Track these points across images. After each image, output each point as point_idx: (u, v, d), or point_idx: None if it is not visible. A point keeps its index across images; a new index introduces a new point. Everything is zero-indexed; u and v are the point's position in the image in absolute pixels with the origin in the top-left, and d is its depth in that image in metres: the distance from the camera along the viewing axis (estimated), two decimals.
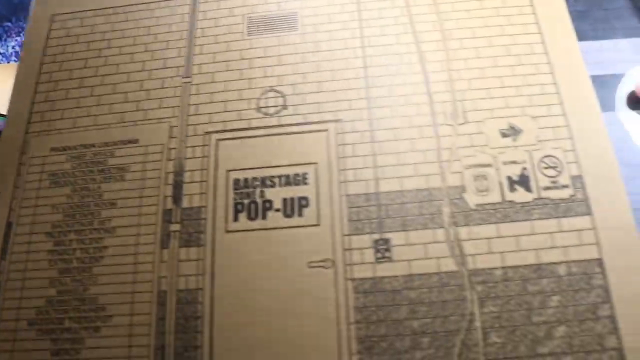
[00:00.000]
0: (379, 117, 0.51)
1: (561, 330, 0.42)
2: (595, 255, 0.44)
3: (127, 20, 0.59)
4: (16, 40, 0.70)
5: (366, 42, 0.54)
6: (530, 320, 0.43)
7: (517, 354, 0.42)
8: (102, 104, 0.55)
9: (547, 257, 0.44)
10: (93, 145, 0.53)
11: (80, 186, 0.52)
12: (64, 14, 0.60)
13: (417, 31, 0.54)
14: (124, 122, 0.54)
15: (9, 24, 0.71)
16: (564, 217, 0.46)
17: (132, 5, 0.60)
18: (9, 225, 0.51)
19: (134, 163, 0.52)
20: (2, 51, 0.70)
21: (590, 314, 0.43)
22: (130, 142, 0.53)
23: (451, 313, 0.44)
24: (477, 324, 0.43)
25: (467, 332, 0.43)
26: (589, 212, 0.45)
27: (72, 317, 0.47)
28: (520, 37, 0.53)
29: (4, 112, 0.57)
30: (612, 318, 0.42)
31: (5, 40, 0.70)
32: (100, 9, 0.60)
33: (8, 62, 0.70)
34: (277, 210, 0.49)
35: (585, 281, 0.44)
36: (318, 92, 0.52)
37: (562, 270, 0.44)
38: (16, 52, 0.70)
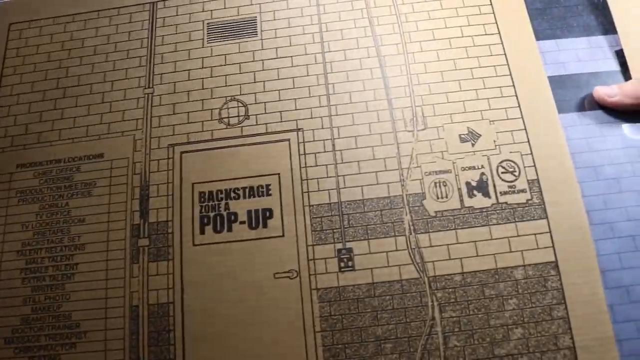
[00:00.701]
0: (339, 124, 0.51)
1: (518, 332, 0.44)
2: (551, 259, 0.46)
3: (85, 29, 0.58)
4: None
5: (326, 47, 0.54)
6: (489, 324, 0.45)
7: (476, 357, 0.44)
8: (66, 118, 0.55)
9: (505, 261, 0.46)
10: (59, 161, 0.53)
11: (48, 203, 0.52)
12: (21, 22, 0.59)
13: (377, 34, 0.54)
14: (89, 136, 0.54)
15: None
16: (521, 221, 0.47)
17: (89, 12, 0.59)
18: None
19: (100, 178, 0.52)
20: None
21: (546, 315, 0.44)
22: (95, 156, 0.53)
23: (413, 319, 0.45)
24: (438, 328, 0.45)
25: (428, 337, 0.45)
26: (545, 216, 0.47)
27: (48, 335, 0.49)
28: (479, 38, 0.53)
29: None
30: (565, 319, 0.44)
31: None
32: (58, 16, 0.59)
33: None
34: (242, 222, 0.49)
35: (541, 284, 0.45)
36: (279, 100, 0.53)
37: (519, 274, 0.46)
38: None
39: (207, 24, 0.57)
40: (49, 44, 0.58)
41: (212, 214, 0.50)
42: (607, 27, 0.53)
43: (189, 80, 0.55)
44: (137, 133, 0.53)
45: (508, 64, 0.52)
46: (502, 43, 0.52)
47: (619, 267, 0.45)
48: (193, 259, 0.49)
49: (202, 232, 0.50)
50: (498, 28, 0.53)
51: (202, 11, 0.57)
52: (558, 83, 0.51)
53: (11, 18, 0.60)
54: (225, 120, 0.53)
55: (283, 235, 0.49)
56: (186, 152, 0.52)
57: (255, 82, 0.54)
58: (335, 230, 0.48)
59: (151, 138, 0.53)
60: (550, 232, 0.46)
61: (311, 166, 0.50)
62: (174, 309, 0.48)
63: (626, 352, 0.43)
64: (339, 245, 0.48)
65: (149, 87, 0.55)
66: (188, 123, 0.53)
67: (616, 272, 0.45)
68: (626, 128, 0.49)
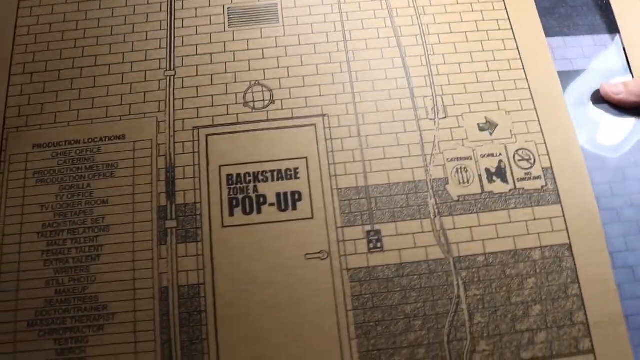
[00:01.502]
0: (364, 111, 0.53)
1: (537, 308, 0.48)
2: (565, 241, 0.49)
3: (100, 9, 0.57)
4: None
5: (348, 35, 0.56)
6: (510, 301, 0.48)
7: (499, 332, 0.47)
8: (84, 98, 0.54)
9: (523, 243, 0.49)
10: (78, 142, 0.53)
11: (68, 184, 0.52)
12: None
13: (397, 25, 0.56)
14: (109, 117, 0.53)
15: None
16: (537, 206, 0.50)
17: None
18: None
19: (123, 159, 0.52)
20: None
21: (562, 293, 0.48)
22: (117, 137, 0.53)
23: (439, 297, 0.48)
24: (463, 306, 0.48)
25: (454, 314, 0.48)
26: (558, 201, 0.50)
27: (73, 317, 0.48)
28: (493, 32, 0.56)
29: None
30: (579, 296, 0.48)
31: None
32: None
33: None
34: (272, 204, 0.51)
35: (557, 264, 0.49)
36: (304, 86, 0.54)
37: (536, 255, 0.49)
38: None
39: (228, 8, 0.57)
40: (62, 23, 0.57)
41: (240, 196, 0.51)
42: (611, 26, 0.57)
43: (211, 63, 0.55)
44: (160, 115, 0.53)
45: (521, 58, 0.55)
46: (514, 38, 0.55)
47: (625, 249, 0.49)
48: (223, 240, 0.50)
49: (232, 214, 0.50)
50: (510, 24, 0.56)
51: None
52: (566, 77, 0.54)
53: None
54: (251, 104, 0.53)
55: (312, 218, 0.50)
56: (212, 134, 0.52)
57: (279, 67, 0.55)
58: (363, 213, 0.50)
59: (175, 120, 0.53)
60: (564, 216, 0.50)
61: (338, 151, 0.52)
62: (205, 290, 0.49)
63: (633, 326, 0.47)
64: (368, 227, 0.50)
65: (170, 70, 0.55)
66: (212, 106, 0.53)
67: (623, 253, 0.49)
68: (629, 122, 0.53)
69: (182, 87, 0.54)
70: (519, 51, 0.55)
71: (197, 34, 0.56)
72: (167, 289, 0.49)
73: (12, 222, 0.51)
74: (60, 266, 0.50)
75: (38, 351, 0.48)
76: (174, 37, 0.56)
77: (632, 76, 0.54)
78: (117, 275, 0.49)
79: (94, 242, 0.50)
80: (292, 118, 0.53)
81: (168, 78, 0.54)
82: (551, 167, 0.51)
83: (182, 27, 0.56)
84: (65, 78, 0.55)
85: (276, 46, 0.55)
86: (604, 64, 0.55)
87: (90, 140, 0.53)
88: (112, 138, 0.53)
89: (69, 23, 0.57)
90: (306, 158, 0.52)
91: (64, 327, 0.48)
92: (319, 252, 0.49)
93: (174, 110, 0.53)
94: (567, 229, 0.49)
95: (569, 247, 0.49)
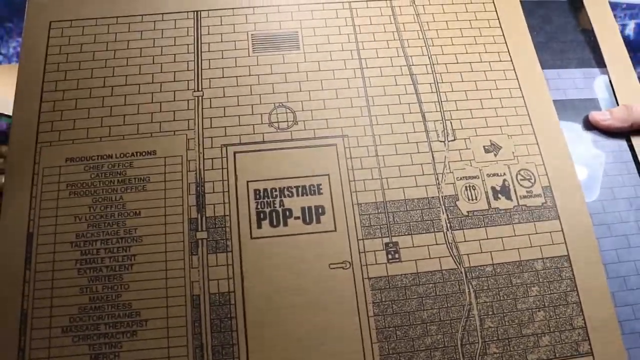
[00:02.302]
0: (380, 133, 0.57)
1: (540, 314, 0.52)
2: (564, 253, 0.54)
3: (130, 32, 0.60)
4: (17, 41, 0.68)
5: (364, 63, 0.60)
6: (516, 307, 0.52)
7: (507, 336, 0.51)
8: (115, 115, 0.57)
9: (527, 254, 0.54)
10: (110, 156, 0.55)
11: (101, 196, 0.54)
12: (62, 21, 0.61)
13: (408, 55, 0.61)
14: (140, 134, 0.56)
15: (11, 24, 0.68)
16: (538, 221, 0.55)
17: (133, 16, 0.61)
18: (29, 235, 0.53)
19: (155, 174, 0.55)
20: (3, 52, 0.68)
21: (562, 300, 0.53)
22: (148, 153, 0.56)
23: (453, 304, 0.52)
24: (475, 312, 0.52)
25: (466, 320, 0.52)
26: (557, 217, 0.55)
27: (107, 323, 0.50)
28: (495, 64, 0.61)
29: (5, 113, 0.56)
30: (578, 303, 0.53)
31: (7, 40, 0.68)
32: (101, 18, 0.61)
33: (9, 63, 0.68)
34: (297, 217, 0.54)
35: (557, 274, 0.53)
36: (324, 108, 0.58)
37: (539, 265, 0.54)
38: (17, 53, 0.68)
39: (252, 35, 0.61)
40: (92, 44, 0.60)
41: (267, 210, 0.54)
42: (599, 61, 0.63)
43: (237, 86, 0.58)
44: (189, 133, 0.56)
45: (520, 88, 0.60)
46: (514, 69, 0.61)
47: (617, 261, 0.55)
48: (252, 250, 0.53)
49: (259, 226, 0.54)
50: (510, 56, 0.62)
51: (246, 22, 0.61)
52: (560, 106, 0.60)
53: (51, 16, 0.61)
54: (275, 124, 0.57)
55: (335, 230, 0.54)
56: (239, 152, 0.56)
57: (300, 91, 0.59)
58: (382, 226, 0.54)
59: (204, 138, 0.56)
60: (562, 230, 0.55)
61: (357, 169, 0.56)
62: (235, 298, 0.51)
63: (626, 330, 0.52)
64: (386, 240, 0.54)
65: (198, 90, 0.58)
66: (239, 125, 0.57)
67: (615, 264, 0.54)
68: (616, 146, 0.59)
69: (210, 107, 0.58)
70: (518, 81, 0.60)
71: (223, 57, 0.60)
72: (199, 297, 0.51)
73: (46, 232, 0.53)
74: (94, 275, 0.52)
75: (72, 356, 0.49)
76: (201, 60, 0.60)
77: (617, 104, 0.60)
78: (149, 283, 0.52)
79: (127, 251, 0.53)
80: (314, 138, 0.57)
81: (196, 98, 0.58)
82: (550, 186, 0.56)
83: (209, 51, 0.60)
84: (97, 96, 0.58)
85: (298, 71, 0.60)
86: (593, 94, 0.61)
87: (122, 155, 0.55)
88: (144, 153, 0.56)
89: (99, 44, 0.60)
90: (328, 175, 0.56)
91: (97, 333, 0.50)
92: (342, 262, 0.53)
93: (202, 128, 0.57)
94: (565, 242, 0.54)
95: (568, 258, 0.54)
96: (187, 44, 0.60)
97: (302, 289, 0.52)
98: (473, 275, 0.53)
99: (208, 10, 0.62)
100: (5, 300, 0.51)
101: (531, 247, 0.54)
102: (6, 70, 0.68)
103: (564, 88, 0.61)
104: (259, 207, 0.54)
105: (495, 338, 0.51)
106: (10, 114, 0.56)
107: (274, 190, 0.55)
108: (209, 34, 0.61)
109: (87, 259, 0.52)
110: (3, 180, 0.55)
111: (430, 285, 0.53)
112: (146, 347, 0.50)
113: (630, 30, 0.76)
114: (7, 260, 0.52)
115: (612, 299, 0.53)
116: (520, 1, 0.65)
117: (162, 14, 0.62)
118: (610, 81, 0.62)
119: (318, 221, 0.54)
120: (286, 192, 0.55)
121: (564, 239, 0.55)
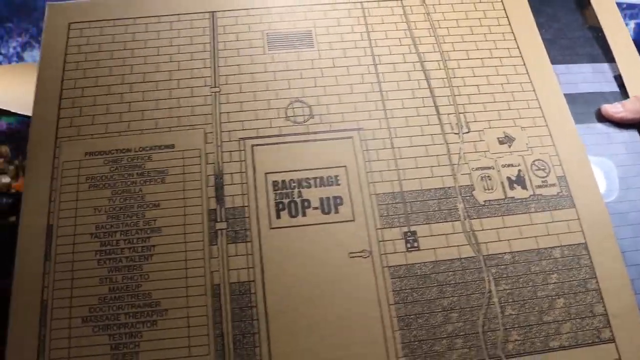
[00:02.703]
0: (395, 126, 0.58)
1: (560, 301, 0.52)
2: (581, 240, 0.54)
3: (147, 32, 0.62)
4: (17, 40, 0.69)
5: (377, 60, 0.61)
6: (536, 295, 0.52)
7: (528, 323, 0.51)
8: (133, 111, 0.58)
9: (545, 242, 0.54)
10: (129, 150, 0.56)
11: (120, 189, 0.54)
12: (80, 22, 0.62)
13: (420, 52, 0.62)
14: (158, 128, 0.57)
15: (11, 24, 0.70)
16: (554, 209, 0.55)
17: (149, 17, 0.63)
18: (49, 227, 0.53)
19: (173, 167, 0.55)
20: (3, 52, 0.69)
21: (582, 287, 0.53)
22: (166, 146, 0.56)
23: (473, 291, 0.52)
24: (495, 299, 0.52)
25: (487, 307, 0.52)
26: (573, 206, 0.56)
27: (127, 313, 0.50)
28: (505, 59, 0.62)
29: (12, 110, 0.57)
30: (597, 290, 0.53)
31: (7, 40, 0.69)
32: (119, 19, 0.62)
33: (9, 63, 0.69)
34: (315, 208, 0.54)
35: (575, 261, 0.54)
36: (340, 103, 0.59)
37: (557, 253, 0.54)
38: (17, 53, 0.69)
39: (266, 34, 0.62)
40: (110, 43, 0.61)
41: (286, 201, 0.54)
42: (607, 55, 0.64)
43: (253, 82, 0.59)
44: (207, 127, 0.57)
45: (531, 82, 0.61)
46: (524, 64, 0.62)
47: (634, 249, 0.55)
48: (271, 240, 0.53)
49: (278, 216, 0.54)
50: (520, 52, 0.63)
51: (261, 22, 0.63)
52: (571, 99, 0.61)
53: (71, 18, 0.62)
54: (292, 118, 0.58)
55: (354, 220, 0.54)
56: (257, 145, 0.56)
57: (316, 86, 0.60)
58: (400, 216, 0.54)
59: (222, 132, 0.57)
60: (578, 218, 0.55)
61: (374, 160, 0.56)
62: (255, 287, 0.51)
63: None
64: (405, 229, 0.54)
65: (215, 87, 0.59)
66: (256, 120, 0.58)
67: (632, 252, 0.55)
68: (628, 137, 0.60)
69: (227, 102, 0.58)
70: (529, 76, 0.61)
71: (239, 55, 0.61)
72: (219, 286, 0.51)
73: (65, 224, 0.53)
74: (114, 265, 0.52)
75: (93, 346, 0.49)
76: (218, 58, 0.61)
77: (627, 97, 0.61)
78: (169, 273, 0.52)
79: (147, 242, 0.53)
80: (330, 131, 0.57)
81: (213, 94, 0.59)
82: (564, 176, 0.57)
83: (225, 49, 0.61)
84: (116, 92, 0.59)
85: (312, 68, 0.61)
86: (602, 88, 0.62)
87: (140, 149, 0.56)
88: (162, 147, 0.56)
89: (117, 44, 0.61)
90: (345, 167, 0.56)
91: (117, 323, 0.50)
92: (361, 251, 0.53)
93: (220, 123, 0.57)
94: (582, 229, 0.55)
95: (585, 246, 0.54)
96: (204, 43, 0.62)
97: (322, 277, 0.52)
98: (492, 263, 0.53)
99: (223, 10, 0.63)
100: (25, 292, 0.51)
101: (548, 235, 0.54)
102: (6, 70, 0.69)
103: (574, 82, 0.62)
104: (277, 198, 0.55)
105: (516, 325, 0.51)
106: (11, 111, 0.57)
107: (292, 182, 0.55)
108: (224, 33, 0.62)
109: (107, 250, 0.52)
110: (3, 180, 0.56)
111: (450, 273, 0.53)
112: (166, 337, 0.50)
113: (630, 30, 0.77)
114: (27, 252, 0.52)
115: (632, 285, 0.53)
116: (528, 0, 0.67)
117: (179, 14, 0.63)
118: (619, 75, 0.63)
119: (336, 211, 0.55)
120: (304, 183, 0.55)
121: (581, 226, 0.55)
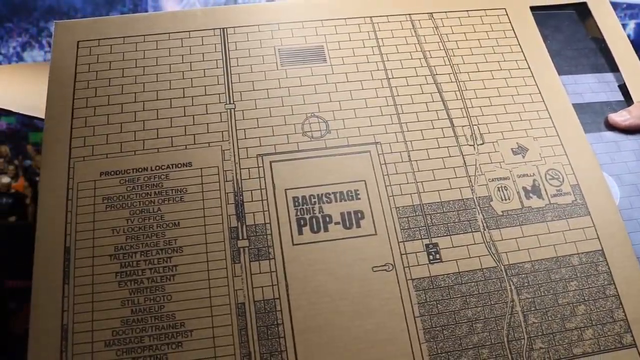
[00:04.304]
0: (412, 139, 0.59)
1: (581, 308, 0.53)
2: (598, 247, 0.55)
3: (157, 49, 0.61)
4: (17, 41, 0.68)
5: (389, 74, 0.62)
6: (557, 302, 0.53)
7: (551, 331, 0.52)
8: (148, 129, 0.57)
9: (563, 250, 0.55)
10: (145, 169, 0.55)
11: (138, 208, 0.54)
12: (89, 40, 0.61)
13: (431, 65, 0.63)
14: (174, 146, 0.56)
15: (11, 24, 0.68)
16: (570, 217, 0.56)
17: (159, 34, 0.62)
18: (66, 250, 0.52)
19: (192, 185, 0.55)
20: (3, 52, 0.67)
21: (601, 294, 0.54)
22: (183, 165, 0.56)
23: (496, 301, 0.52)
24: (518, 308, 0.52)
25: (510, 316, 0.52)
26: (588, 213, 0.57)
27: (151, 335, 0.49)
28: (514, 71, 0.63)
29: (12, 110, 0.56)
30: (616, 296, 0.53)
31: (7, 40, 0.68)
32: (128, 36, 0.62)
33: (9, 63, 0.68)
34: (337, 223, 0.54)
35: (593, 268, 0.54)
36: (355, 117, 0.59)
37: (575, 260, 0.55)
38: (17, 53, 0.68)
39: (279, 49, 0.62)
40: (121, 61, 0.60)
41: (307, 217, 0.54)
42: (611, 64, 0.66)
43: (268, 98, 0.59)
44: (224, 144, 0.57)
45: (540, 93, 0.62)
46: (532, 76, 0.63)
47: None
48: (294, 257, 0.53)
49: (300, 232, 0.54)
50: (527, 64, 0.64)
51: (272, 38, 0.63)
52: (579, 109, 0.62)
53: (79, 36, 0.61)
54: (309, 133, 0.58)
55: (376, 234, 0.54)
56: (275, 161, 0.56)
57: (331, 101, 0.60)
58: (421, 228, 0.55)
59: (239, 149, 0.57)
60: (594, 226, 0.56)
61: (392, 174, 0.57)
62: (280, 304, 0.51)
63: None
64: (426, 241, 0.54)
65: (230, 103, 0.59)
66: (273, 136, 0.57)
67: None
68: (636, 144, 0.61)
69: (243, 119, 0.58)
70: (537, 87, 0.63)
71: (252, 71, 0.61)
72: (244, 305, 0.51)
73: (83, 246, 0.52)
74: (135, 287, 0.51)
75: None
76: (231, 75, 0.61)
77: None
78: (193, 293, 0.51)
79: (168, 262, 0.52)
80: (348, 145, 0.58)
81: (229, 110, 0.58)
82: (578, 184, 0.58)
83: (237, 65, 0.61)
84: (129, 111, 0.58)
85: (326, 82, 0.61)
86: (607, 97, 0.64)
87: (157, 168, 0.55)
88: (179, 165, 0.56)
89: (128, 61, 0.60)
90: (364, 181, 0.56)
91: (142, 346, 0.49)
92: (384, 265, 0.53)
93: (237, 139, 0.57)
94: (597, 236, 0.56)
95: (602, 252, 0.55)
96: (216, 59, 0.61)
97: (347, 292, 0.52)
98: (513, 272, 0.54)
99: (234, 27, 0.63)
100: (44, 316, 0.50)
101: (566, 243, 0.55)
102: (6, 70, 0.68)
103: (580, 92, 0.64)
104: (298, 213, 0.55)
105: (540, 333, 0.52)
106: (11, 111, 0.56)
107: (312, 197, 0.55)
108: (236, 49, 0.62)
109: (127, 271, 0.51)
110: (3, 180, 0.55)
111: (473, 283, 0.53)
112: (192, 358, 0.49)
113: (630, 30, 0.79)
114: (44, 275, 0.51)
115: None
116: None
117: (189, 31, 0.63)
118: (624, 84, 0.65)
119: (358, 225, 0.55)
120: (324, 199, 0.55)
121: (597, 234, 0.56)
